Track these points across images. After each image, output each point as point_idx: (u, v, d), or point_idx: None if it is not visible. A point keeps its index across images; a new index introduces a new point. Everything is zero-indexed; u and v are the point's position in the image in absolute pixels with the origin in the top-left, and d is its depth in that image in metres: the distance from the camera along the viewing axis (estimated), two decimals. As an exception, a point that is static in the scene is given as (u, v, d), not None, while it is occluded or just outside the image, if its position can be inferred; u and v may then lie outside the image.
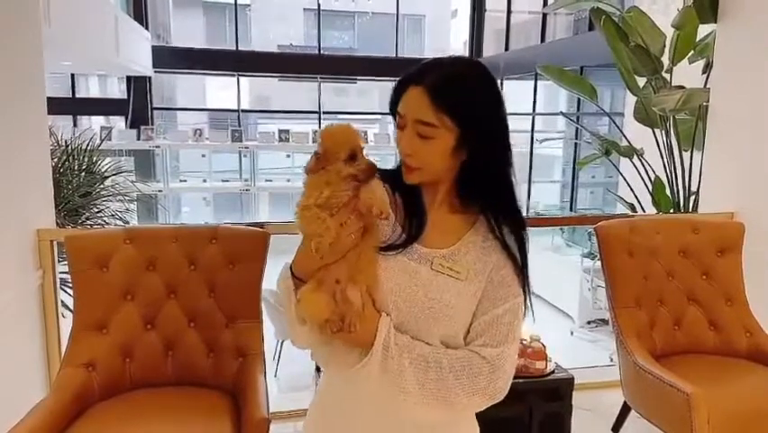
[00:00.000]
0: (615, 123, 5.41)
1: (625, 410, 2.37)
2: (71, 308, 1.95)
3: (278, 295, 1.06)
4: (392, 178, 1.06)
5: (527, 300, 1.05)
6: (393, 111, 1.04)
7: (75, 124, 9.94)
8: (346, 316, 0.96)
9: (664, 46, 3.96)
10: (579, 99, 7.80)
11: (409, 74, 1.01)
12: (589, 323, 6.39)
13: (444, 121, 0.97)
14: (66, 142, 3.75)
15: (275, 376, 3.92)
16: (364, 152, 0.99)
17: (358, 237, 0.97)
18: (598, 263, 2.45)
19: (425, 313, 1.00)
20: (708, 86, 3.49)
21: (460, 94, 0.98)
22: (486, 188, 1.05)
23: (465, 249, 1.04)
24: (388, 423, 1.05)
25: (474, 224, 1.07)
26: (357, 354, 1.00)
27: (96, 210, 3.74)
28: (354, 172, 0.96)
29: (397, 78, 1.03)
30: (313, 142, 9.13)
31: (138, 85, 10.30)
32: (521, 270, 1.04)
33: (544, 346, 2.18)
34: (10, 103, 2.05)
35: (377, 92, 13.25)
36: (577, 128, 8.06)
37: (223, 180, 9.66)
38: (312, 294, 0.97)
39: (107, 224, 3.70)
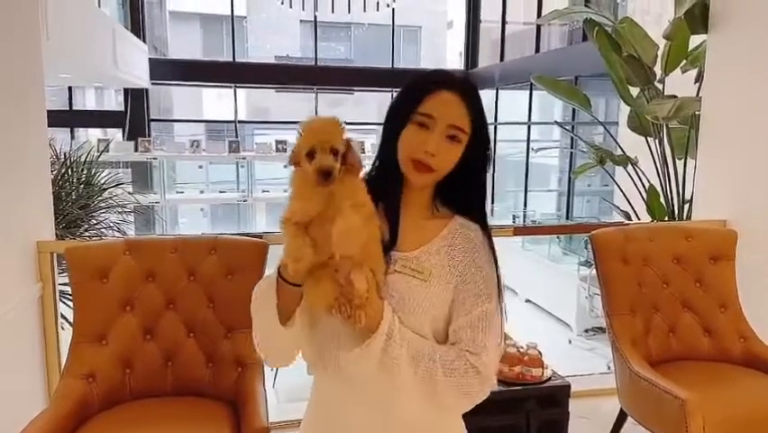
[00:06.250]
0: (609, 132, 5.46)
1: (621, 417, 2.39)
2: (70, 320, 1.96)
3: (255, 302, 1.08)
4: (373, 185, 1.04)
5: (502, 303, 1.09)
6: (410, 109, 1.04)
7: (72, 137, 9.96)
8: (352, 301, 0.95)
9: (657, 56, 4.00)
10: (574, 109, 7.86)
11: (435, 77, 1.06)
12: (586, 331, 6.39)
13: (467, 128, 1.05)
14: (65, 154, 3.78)
15: (273, 387, 3.91)
16: (339, 149, 0.92)
17: None
18: (595, 272, 2.47)
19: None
20: (699, 95, 3.53)
21: (479, 104, 1.07)
22: (464, 192, 1.11)
23: (432, 251, 1.09)
24: (379, 424, 1.08)
25: (443, 228, 1.11)
26: (349, 349, 1.02)
27: (95, 222, 3.76)
28: (313, 171, 0.91)
29: (406, 82, 1.08)
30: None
31: (135, 97, 10.34)
32: (492, 273, 1.09)
33: (541, 354, 2.19)
34: (11, 116, 2.08)
35: (373, 102, 13.31)
36: (572, 137, 8.11)
37: (220, 191, 9.66)
38: (314, 287, 0.97)
39: (105, 235, 3.72)
